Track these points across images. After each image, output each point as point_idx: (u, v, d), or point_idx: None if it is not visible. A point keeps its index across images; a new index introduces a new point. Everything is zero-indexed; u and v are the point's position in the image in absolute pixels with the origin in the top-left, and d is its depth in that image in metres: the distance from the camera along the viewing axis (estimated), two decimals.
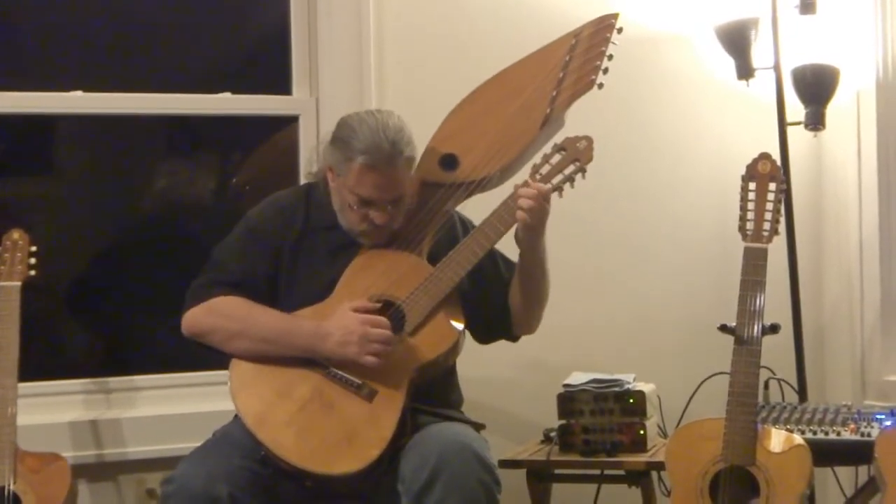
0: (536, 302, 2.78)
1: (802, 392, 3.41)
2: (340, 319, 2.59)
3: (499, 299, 2.80)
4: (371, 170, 2.61)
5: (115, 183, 3.53)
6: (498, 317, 2.81)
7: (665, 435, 3.22)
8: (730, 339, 2.60)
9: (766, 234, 2.63)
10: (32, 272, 2.89)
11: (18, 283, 2.85)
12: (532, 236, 2.65)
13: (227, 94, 3.42)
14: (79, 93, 3.29)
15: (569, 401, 3.05)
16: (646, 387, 3.08)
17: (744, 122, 3.69)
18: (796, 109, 3.50)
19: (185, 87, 3.41)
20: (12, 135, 3.32)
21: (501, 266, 2.83)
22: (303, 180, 3.00)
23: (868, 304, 3.60)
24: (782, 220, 2.69)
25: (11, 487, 2.66)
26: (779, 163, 2.73)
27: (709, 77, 3.71)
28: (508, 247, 2.75)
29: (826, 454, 2.69)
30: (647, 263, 3.67)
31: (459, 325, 2.66)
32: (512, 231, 2.68)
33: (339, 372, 2.59)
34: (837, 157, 3.73)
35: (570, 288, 3.39)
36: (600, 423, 3.02)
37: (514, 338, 2.88)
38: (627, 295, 3.64)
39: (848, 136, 3.65)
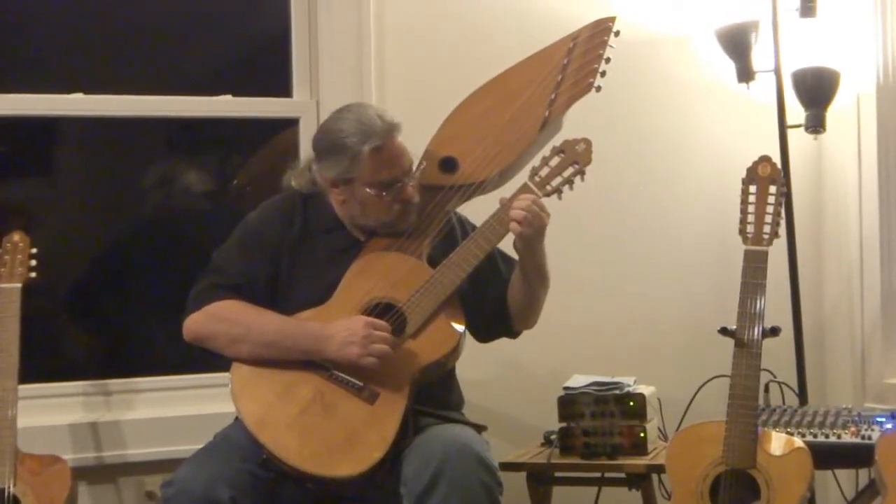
0: (535, 301, 2.78)
1: (803, 395, 3.41)
2: (345, 322, 2.59)
3: (498, 298, 2.80)
4: (381, 150, 2.64)
5: (116, 185, 3.53)
6: (497, 315, 2.80)
7: (665, 438, 3.22)
8: (730, 341, 2.59)
9: (766, 236, 2.63)
10: (33, 274, 2.88)
11: (19, 285, 2.84)
12: (530, 245, 2.65)
13: (228, 97, 3.42)
14: (79, 95, 3.28)
15: (569, 403, 3.05)
16: (646, 389, 3.07)
17: (744, 124, 3.69)
18: (796, 112, 3.51)
19: (186, 90, 3.41)
20: (13, 137, 3.32)
21: (500, 264, 2.82)
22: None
23: (868, 307, 3.61)
24: (782, 222, 2.68)
25: (11, 490, 2.65)
26: (779, 165, 2.72)
27: (709, 80, 3.71)
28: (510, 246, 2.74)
29: (826, 457, 2.68)
30: (647, 266, 3.67)
31: (460, 328, 2.66)
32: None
33: (341, 374, 2.59)
34: (838, 159, 3.73)
35: (571, 291, 3.39)
36: (601, 425, 3.02)
37: (514, 334, 2.88)
38: (628, 297, 3.64)
39: (848, 139, 3.66)
